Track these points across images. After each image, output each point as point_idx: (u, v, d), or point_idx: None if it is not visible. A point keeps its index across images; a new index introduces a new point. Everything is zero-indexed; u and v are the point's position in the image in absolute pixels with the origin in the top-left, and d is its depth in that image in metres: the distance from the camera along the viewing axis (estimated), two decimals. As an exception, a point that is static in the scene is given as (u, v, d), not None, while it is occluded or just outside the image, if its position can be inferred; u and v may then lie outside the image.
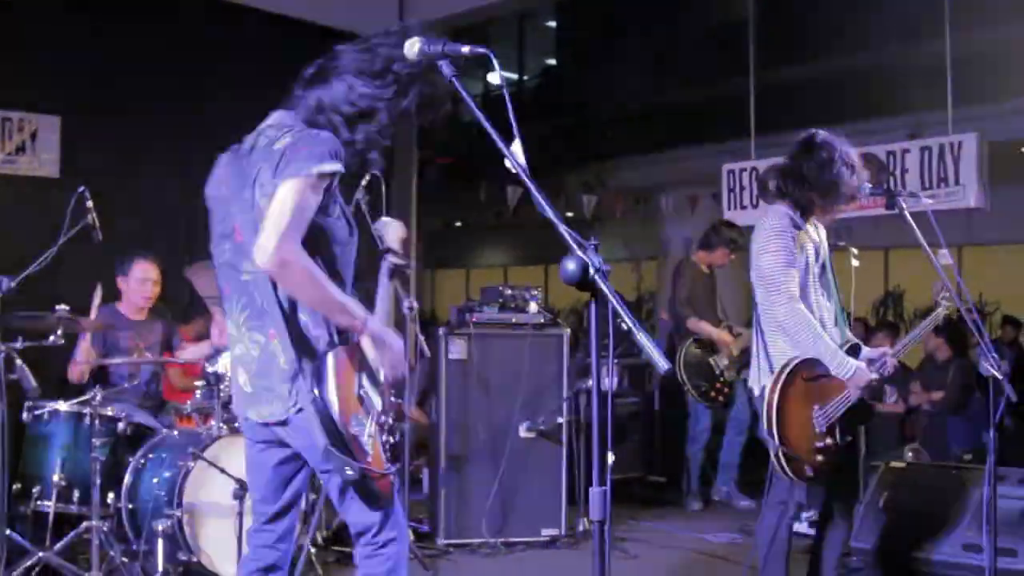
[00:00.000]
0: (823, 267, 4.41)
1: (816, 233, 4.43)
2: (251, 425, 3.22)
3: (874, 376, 4.26)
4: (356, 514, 3.15)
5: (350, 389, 3.05)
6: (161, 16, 8.00)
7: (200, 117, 7.93)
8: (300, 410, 2.99)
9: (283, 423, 3.07)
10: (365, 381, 3.15)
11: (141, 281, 6.04)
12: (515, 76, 20.37)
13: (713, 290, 7.89)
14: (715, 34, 13.60)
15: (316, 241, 3.01)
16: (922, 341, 8.33)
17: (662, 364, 2.27)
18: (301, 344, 3.01)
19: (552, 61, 20.70)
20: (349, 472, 2.93)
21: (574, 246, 2.38)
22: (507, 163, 2.56)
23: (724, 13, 12.57)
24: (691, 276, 7.81)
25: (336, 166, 2.97)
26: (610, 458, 2.32)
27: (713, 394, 7.56)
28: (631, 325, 2.26)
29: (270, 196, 2.94)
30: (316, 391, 2.95)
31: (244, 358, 3.14)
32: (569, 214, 15.38)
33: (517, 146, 2.57)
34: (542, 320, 6.75)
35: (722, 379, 7.54)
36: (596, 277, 2.33)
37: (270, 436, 3.19)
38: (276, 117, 3.18)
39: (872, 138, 8.66)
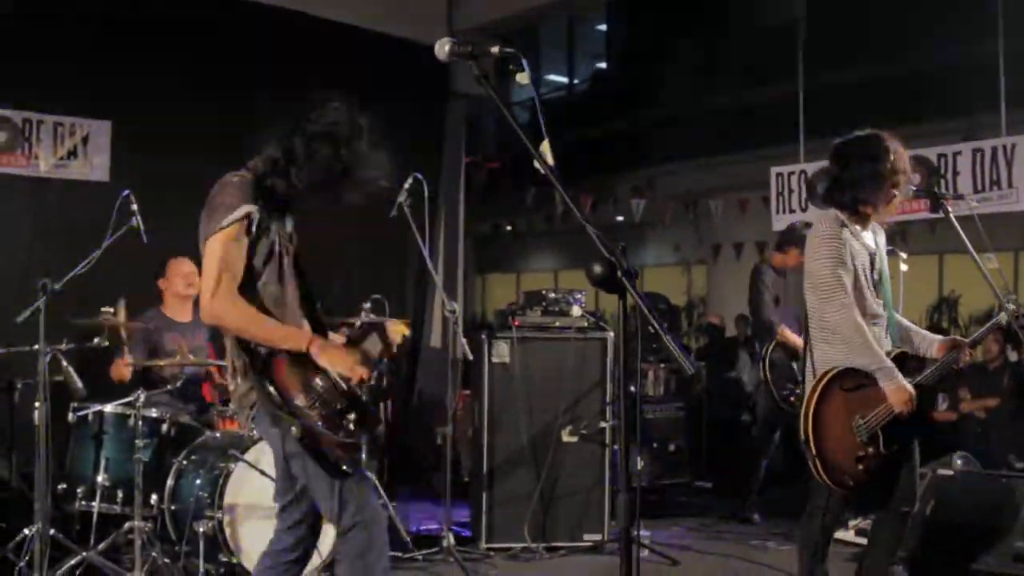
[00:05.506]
0: (879, 275, 4.33)
1: (873, 240, 4.36)
2: None
3: (914, 393, 4.17)
4: (320, 501, 3.47)
5: (293, 380, 3.37)
6: (210, 21, 8.06)
7: (250, 121, 7.94)
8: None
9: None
10: (318, 381, 3.43)
11: (178, 275, 6.22)
12: (565, 80, 20.35)
13: (788, 294, 7.32)
14: (764, 37, 13.48)
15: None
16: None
17: (688, 367, 2.25)
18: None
19: (602, 65, 20.65)
20: (294, 430, 3.27)
21: (603, 248, 2.36)
22: (536, 164, 2.55)
23: (774, 15, 12.47)
24: (768, 279, 7.35)
25: (246, 208, 3.33)
26: (639, 464, 2.30)
27: (794, 399, 7.02)
28: (658, 328, 2.23)
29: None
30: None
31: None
32: (619, 218, 15.30)
33: (546, 146, 2.56)
34: (585, 324, 6.72)
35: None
36: (623, 279, 2.31)
37: None
38: None
39: (924, 141, 8.50)
